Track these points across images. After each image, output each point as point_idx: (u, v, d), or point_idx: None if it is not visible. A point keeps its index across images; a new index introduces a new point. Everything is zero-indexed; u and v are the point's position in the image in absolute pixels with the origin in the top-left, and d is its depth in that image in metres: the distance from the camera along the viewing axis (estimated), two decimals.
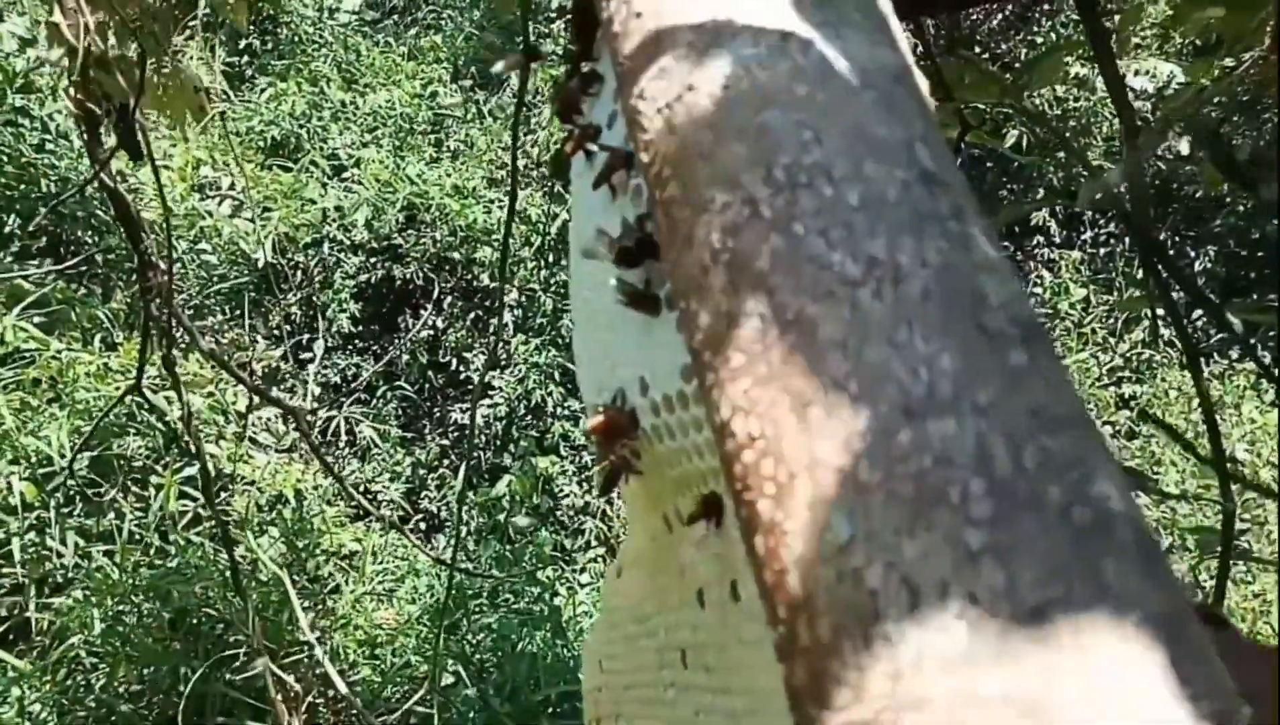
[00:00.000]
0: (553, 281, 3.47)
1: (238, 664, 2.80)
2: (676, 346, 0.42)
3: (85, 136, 1.61)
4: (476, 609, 3.46)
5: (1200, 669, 0.24)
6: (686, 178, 0.34)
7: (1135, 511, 0.26)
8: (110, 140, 1.54)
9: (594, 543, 3.88)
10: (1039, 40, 2.74)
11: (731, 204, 0.32)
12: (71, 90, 1.56)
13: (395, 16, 3.99)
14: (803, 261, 0.30)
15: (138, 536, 2.96)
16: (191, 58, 3.38)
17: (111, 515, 2.93)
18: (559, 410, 3.67)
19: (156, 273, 1.68)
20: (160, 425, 2.84)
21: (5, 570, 2.76)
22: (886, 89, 0.34)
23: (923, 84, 0.36)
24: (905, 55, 0.36)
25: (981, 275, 0.30)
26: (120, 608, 2.82)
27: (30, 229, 2.90)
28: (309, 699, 3.01)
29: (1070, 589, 0.24)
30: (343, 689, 2.11)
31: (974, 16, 3.14)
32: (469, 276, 3.50)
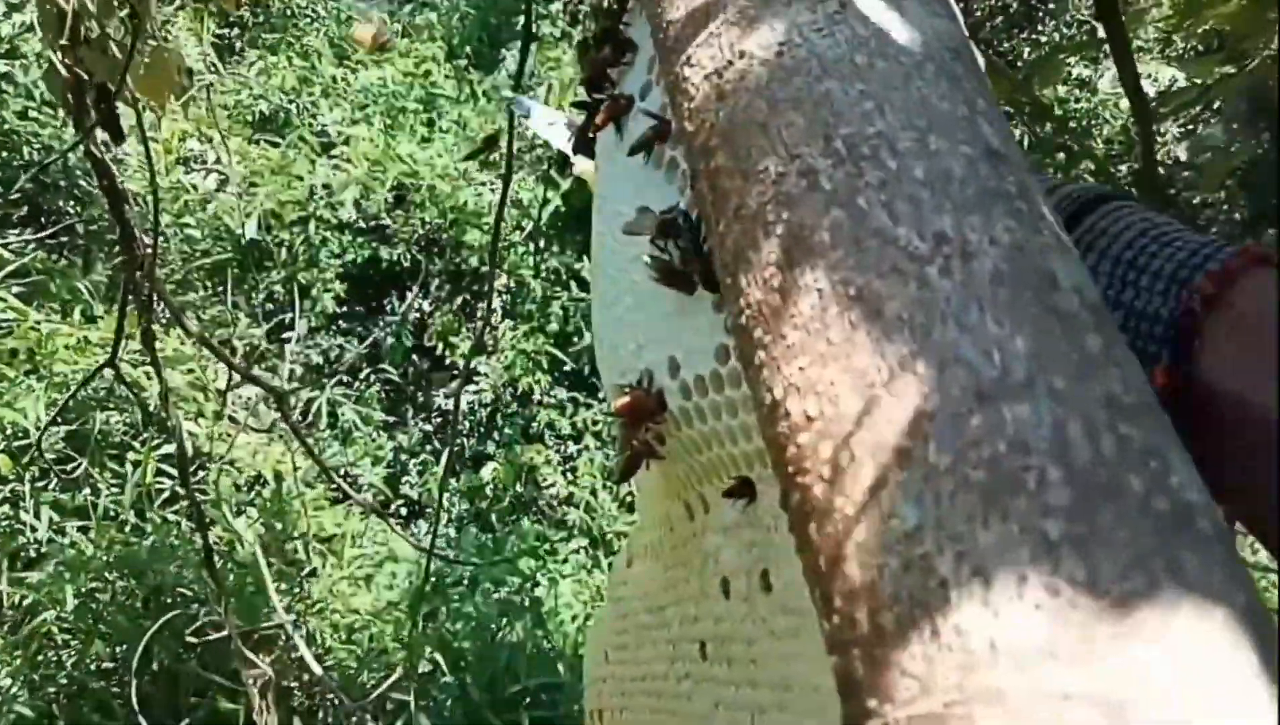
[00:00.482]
0: (543, 267, 3.44)
1: (210, 643, 2.76)
2: (712, 326, 0.40)
3: (71, 102, 1.57)
4: (456, 597, 3.44)
5: None
6: (737, 147, 0.33)
7: (1212, 505, 0.25)
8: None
9: (577, 533, 3.86)
10: (1043, 40, 2.74)
11: (787, 175, 0.31)
12: (58, 55, 1.52)
13: None
14: (867, 235, 0.29)
15: (113, 513, 2.91)
16: (181, 29, 3.31)
17: (87, 491, 2.87)
18: (545, 399, 3.64)
19: (139, 245, 1.64)
20: (140, 395, 2.79)
21: None
22: (947, 61, 0.33)
23: (979, 59, 0.35)
24: (962, 27, 0.35)
25: (1051, 256, 0.28)
26: (94, 584, 2.77)
27: (11, 196, 2.83)
28: (284, 682, 2.97)
29: (1153, 582, 0.23)
30: (317, 670, 2.08)
31: (977, 13, 3.14)
32: (457, 260, 3.46)
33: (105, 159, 1.62)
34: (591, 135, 0.49)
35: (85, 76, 1.55)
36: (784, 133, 0.31)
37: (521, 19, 3.80)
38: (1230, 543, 0.25)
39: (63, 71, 1.36)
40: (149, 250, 1.67)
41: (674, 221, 0.38)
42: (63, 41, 1.52)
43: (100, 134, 1.71)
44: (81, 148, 1.56)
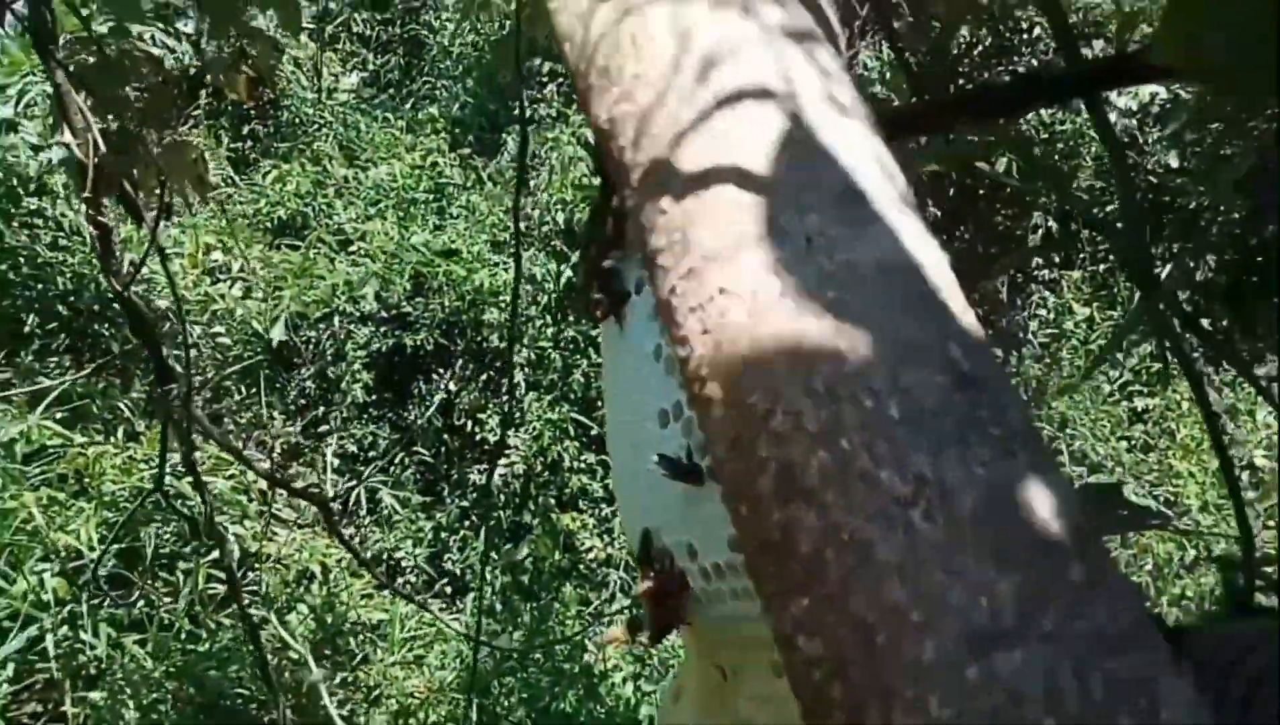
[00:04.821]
0: (561, 337, 3.50)
1: None
2: (723, 516, 0.42)
3: (100, 251, 1.64)
4: (508, 670, 3.43)
5: None
6: (726, 380, 0.35)
7: None
8: (126, 252, 1.58)
9: (619, 594, 3.85)
10: (1020, 70, 2.78)
11: (774, 413, 0.33)
12: (85, 207, 1.61)
13: (391, 90, 4.08)
14: (852, 479, 0.31)
15: (168, 623, 2.96)
16: (197, 145, 3.45)
17: (141, 603, 2.93)
18: (576, 464, 3.67)
19: (175, 375, 1.70)
20: (185, 511, 2.86)
21: (40, 666, 2.76)
22: (913, 284, 0.35)
23: (943, 264, 0.37)
24: (926, 239, 0.37)
25: (1029, 482, 0.30)
26: (154, 695, 2.81)
27: (48, 327, 2.94)
28: None
29: None
30: None
31: (959, 48, 3.19)
32: (479, 339, 3.53)
33: (134, 300, 1.70)
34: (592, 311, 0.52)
35: (109, 226, 1.63)
36: (766, 370, 0.34)
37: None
38: None
39: (86, 224, 1.43)
40: (182, 378, 1.73)
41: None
42: (86, 195, 1.60)
43: (128, 257, 1.78)
44: (115, 291, 1.63)
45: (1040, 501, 0.30)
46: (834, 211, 0.36)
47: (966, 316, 0.35)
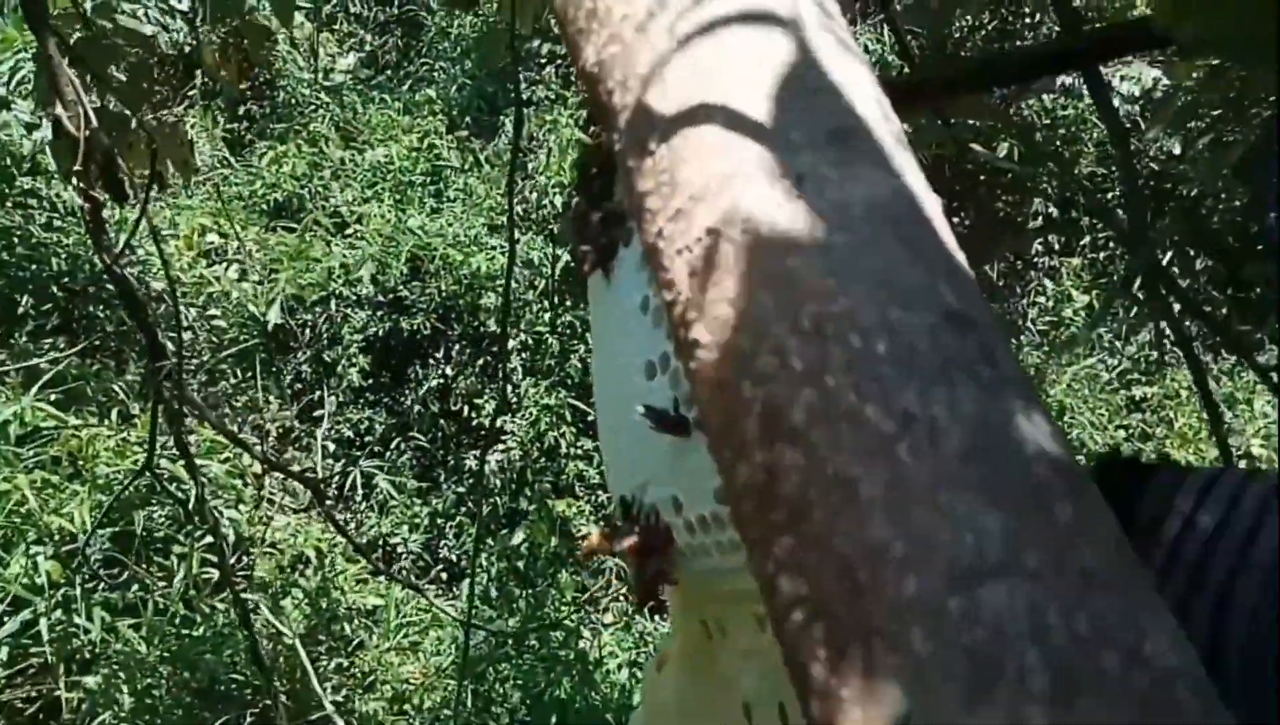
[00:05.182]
0: (559, 322, 3.49)
1: None
2: (709, 467, 0.42)
3: (91, 225, 1.63)
4: (502, 656, 3.44)
5: None
6: (711, 321, 0.34)
7: (1191, 662, 0.26)
8: (121, 234, 1.57)
9: (615, 581, 3.86)
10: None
11: (760, 352, 0.32)
12: (75, 181, 1.59)
13: (389, 72, 4.06)
14: (838, 417, 0.30)
15: (163, 606, 2.96)
16: (192, 126, 3.43)
17: (136, 587, 2.93)
18: (572, 451, 3.67)
19: (166, 353, 1.69)
20: (179, 494, 2.85)
21: (33, 650, 2.76)
22: (906, 224, 0.34)
23: (936, 206, 0.37)
24: (920, 182, 0.37)
25: (1018, 422, 0.30)
26: (148, 680, 2.82)
27: (43, 307, 2.93)
28: None
29: None
30: None
31: (960, 32, 3.18)
32: (475, 323, 3.52)
33: (127, 277, 1.68)
34: (583, 278, 0.51)
35: (100, 200, 1.61)
36: (752, 310, 0.33)
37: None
38: (1215, 701, 0.26)
39: (77, 198, 1.42)
40: (175, 358, 1.72)
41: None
42: (77, 168, 1.59)
43: (120, 238, 1.76)
44: (105, 264, 1.62)
45: (1029, 441, 0.29)
46: (827, 150, 0.35)
47: (958, 257, 0.34)
